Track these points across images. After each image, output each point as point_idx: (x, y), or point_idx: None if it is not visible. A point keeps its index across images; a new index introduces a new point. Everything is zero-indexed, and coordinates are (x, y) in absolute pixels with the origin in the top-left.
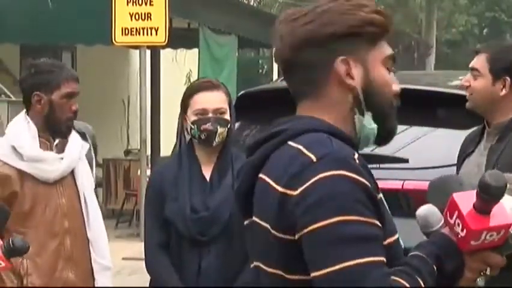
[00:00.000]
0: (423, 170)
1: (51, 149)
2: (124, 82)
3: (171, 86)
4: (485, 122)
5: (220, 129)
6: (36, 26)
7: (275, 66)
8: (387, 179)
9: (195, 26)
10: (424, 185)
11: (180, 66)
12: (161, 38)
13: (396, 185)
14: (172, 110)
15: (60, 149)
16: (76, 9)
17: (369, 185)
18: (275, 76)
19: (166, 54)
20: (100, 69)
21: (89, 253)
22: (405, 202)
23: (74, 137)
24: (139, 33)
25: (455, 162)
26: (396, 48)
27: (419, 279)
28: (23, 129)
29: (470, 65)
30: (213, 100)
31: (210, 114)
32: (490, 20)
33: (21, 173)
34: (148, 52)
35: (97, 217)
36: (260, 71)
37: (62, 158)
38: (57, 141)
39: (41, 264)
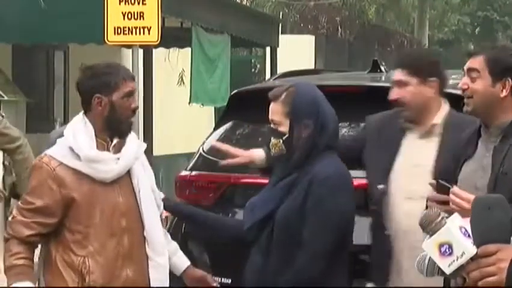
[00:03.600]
0: None
1: (108, 150)
2: None
3: (164, 85)
4: (482, 123)
5: (273, 141)
6: (28, 25)
7: (268, 65)
8: None
9: (187, 25)
10: None
11: (173, 66)
12: (153, 37)
13: None
14: (164, 109)
15: (118, 150)
16: (68, 8)
17: None
18: (268, 75)
19: (158, 54)
20: None
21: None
22: None
23: (131, 138)
24: (132, 33)
25: None
26: (389, 47)
27: None
28: (80, 130)
29: (468, 66)
30: (270, 112)
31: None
32: (482, 19)
33: (78, 174)
34: (141, 51)
35: (154, 216)
36: (253, 70)
37: (118, 158)
38: (115, 141)
39: (102, 263)
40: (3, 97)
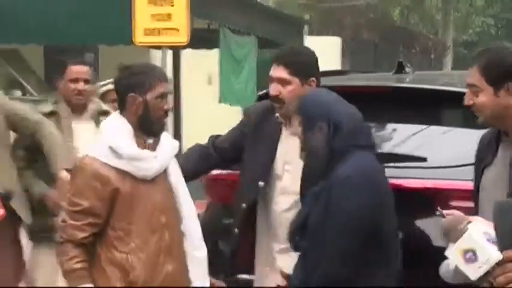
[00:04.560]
0: (441, 169)
1: (146, 148)
2: None
3: (192, 86)
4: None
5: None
6: (59, 27)
7: None
8: (406, 178)
9: (215, 26)
10: (442, 183)
11: (201, 67)
12: (182, 38)
13: (414, 183)
14: (192, 109)
15: (153, 148)
16: (98, 10)
17: None
18: None
19: (186, 55)
20: None
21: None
22: (423, 201)
23: (165, 136)
24: (160, 34)
25: (473, 161)
26: (413, 49)
27: None
28: (119, 129)
29: (466, 82)
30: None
31: None
32: (506, 21)
33: (120, 172)
34: (169, 52)
35: (191, 211)
36: None
37: (155, 157)
38: (151, 140)
39: (144, 259)
40: (35, 97)
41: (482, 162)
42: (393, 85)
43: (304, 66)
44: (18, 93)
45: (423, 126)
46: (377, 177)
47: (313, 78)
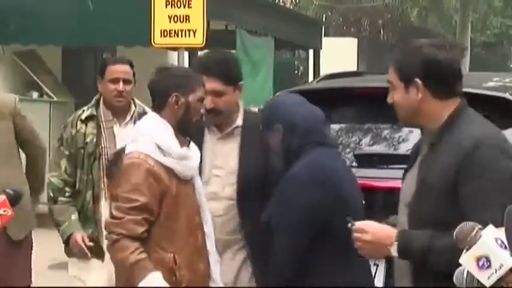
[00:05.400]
0: None
1: (187, 147)
2: None
3: None
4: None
5: None
6: (77, 28)
7: (311, 67)
8: None
9: (232, 28)
10: None
11: None
12: (199, 40)
13: None
14: None
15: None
16: (116, 11)
17: None
18: (311, 78)
19: None
20: (139, 70)
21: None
22: None
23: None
24: (178, 35)
25: None
26: None
27: None
28: (162, 128)
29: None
30: None
31: None
32: None
33: (168, 170)
34: (186, 53)
35: (208, 213)
36: (296, 72)
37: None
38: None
39: (185, 258)
40: (53, 98)
41: (407, 169)
42: None
43: (234, 72)
44: (35, 94)
45: None
46: (330, 174)
47: (242, 82)
